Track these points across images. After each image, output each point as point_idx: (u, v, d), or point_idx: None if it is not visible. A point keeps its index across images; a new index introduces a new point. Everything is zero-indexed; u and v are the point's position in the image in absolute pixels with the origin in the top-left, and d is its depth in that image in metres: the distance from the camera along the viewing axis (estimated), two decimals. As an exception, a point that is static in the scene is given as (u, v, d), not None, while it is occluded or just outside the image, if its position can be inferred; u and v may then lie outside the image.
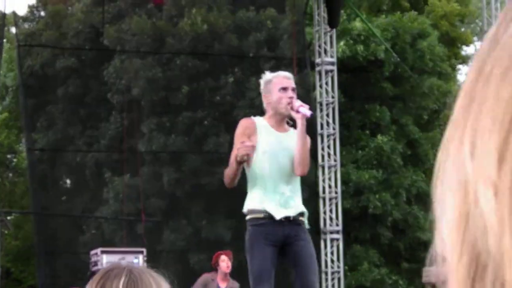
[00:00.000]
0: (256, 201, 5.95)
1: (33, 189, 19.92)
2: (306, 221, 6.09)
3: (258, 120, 6.06)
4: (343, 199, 17.03)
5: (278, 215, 5.89)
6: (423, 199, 22.57)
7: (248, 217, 5.98)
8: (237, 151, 5.69)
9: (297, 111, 5.90)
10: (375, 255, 20.62)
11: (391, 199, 20.41)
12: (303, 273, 5.95)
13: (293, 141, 5.96)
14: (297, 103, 5.95)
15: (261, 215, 5.90)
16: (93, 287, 2.25)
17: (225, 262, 10.87)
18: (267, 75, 6.11)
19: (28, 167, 20.28)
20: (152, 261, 12.51)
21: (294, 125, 6.13)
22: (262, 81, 6.12)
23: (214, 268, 11.09)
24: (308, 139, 6.13)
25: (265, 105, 6.11)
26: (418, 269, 21.26)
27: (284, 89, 5.97)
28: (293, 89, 6.02)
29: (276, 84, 6.00)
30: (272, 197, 5.91)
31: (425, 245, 21.70)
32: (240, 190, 6.07)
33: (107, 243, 17.82)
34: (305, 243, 6.01)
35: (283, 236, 5.90)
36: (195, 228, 20.22)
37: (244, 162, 5.76)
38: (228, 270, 10.86)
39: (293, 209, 5.95)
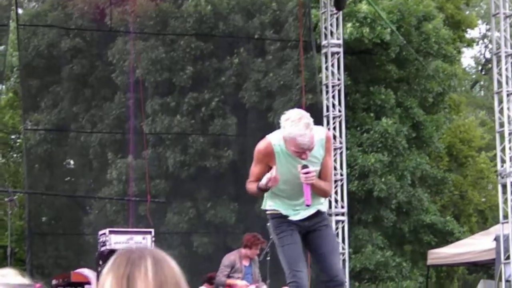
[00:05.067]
0: (274, 206, 6.17)
1: (29, 169, 19.92)
2: (324, 209, 6.28)
3: (275, 143, 5.85)
4: (348, 182, 17.02)
5: (294, 218, 6.13)
6: (427, 182, 22.56)
7: (268, 212, 6.22)
8: (269, 183, 5.73)
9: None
10: (379, 238, 20.62)
11: (396, 182, 20.37)
12: (328, 256, 6.11)
13: (310, 164, 5.88)
14: (305, 175, 5.80)
15: (281, 214, 6.17)
16: (119, 277, 2.04)
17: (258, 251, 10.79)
18: (288, 127, 5.68)
19: (24, 147, 20.29)
20: (156, 242, 12.53)
21: None
22: (282, 121, 5.76)
23: (246, 246, 10.64)
24: (331, 162, 6.39)
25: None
26: (421, 252, 21.29)
27: (297, 152, 5.74)
28: (307, 151, 5.77)
29: (291, 143, 5.70)
30: (288, 207, 6.11)
31: (429, 227, 21.72)
32: (245, 174, 6.07)
33: (110, 224, 17.82)
34: (326, 228, 6.27)
35: (304, 228, 6.16)
36: (199, 210, 20.20)
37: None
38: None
39: (309, 210, 6.12)
